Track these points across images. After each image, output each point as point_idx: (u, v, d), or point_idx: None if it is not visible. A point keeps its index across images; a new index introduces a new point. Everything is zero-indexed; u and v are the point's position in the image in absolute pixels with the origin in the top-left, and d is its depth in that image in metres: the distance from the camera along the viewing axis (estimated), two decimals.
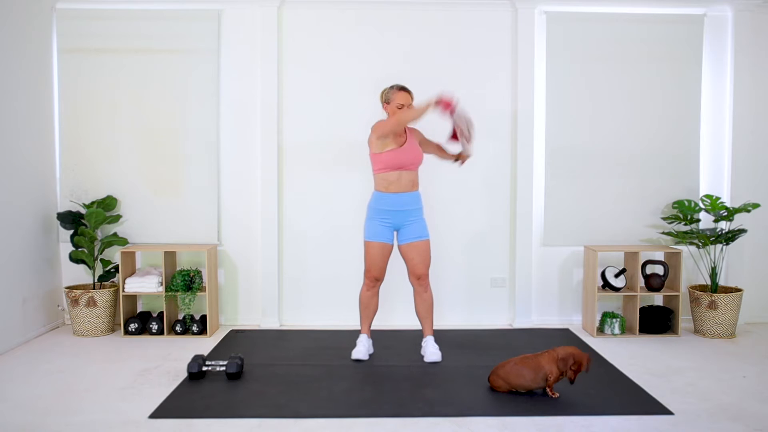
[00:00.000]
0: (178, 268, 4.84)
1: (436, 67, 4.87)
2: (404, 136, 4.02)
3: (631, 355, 4.20)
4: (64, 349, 4.30)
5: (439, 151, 4.25)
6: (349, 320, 4.77)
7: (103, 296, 4.61)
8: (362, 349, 4.07)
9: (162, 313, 4.72)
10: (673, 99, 4.95)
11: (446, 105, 3.76)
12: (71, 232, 4.72)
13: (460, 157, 4.13)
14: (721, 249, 4.77)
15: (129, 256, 4.75)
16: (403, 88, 4.02)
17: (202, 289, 4.73)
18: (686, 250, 4.90)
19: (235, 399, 3.40)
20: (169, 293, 4.63)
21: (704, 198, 4.83)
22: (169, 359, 4.09)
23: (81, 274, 4.94)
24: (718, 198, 4.78)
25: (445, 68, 4.88)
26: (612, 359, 4.10)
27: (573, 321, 5.02)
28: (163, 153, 4.89)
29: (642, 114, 4.95)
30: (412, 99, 4.01)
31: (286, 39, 4.87)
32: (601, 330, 4.74)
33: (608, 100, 4.94)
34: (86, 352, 4.24)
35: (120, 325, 4.69)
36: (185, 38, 4.86)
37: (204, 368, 3.72)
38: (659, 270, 4.86)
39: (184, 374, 3.77)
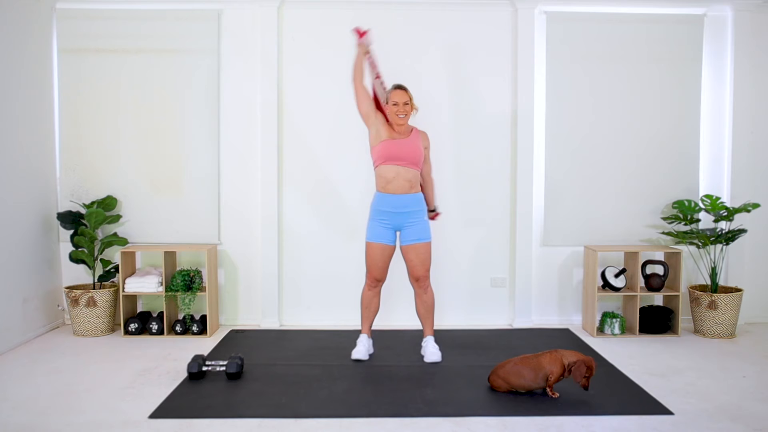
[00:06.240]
0: (178, 268, 4.84)
1: (437, 67, 4.87)
2: (407, 134, 3.99)
3: (631, 355, 4.20)
4: (64, 349, 4.30)
5: (422, 181, 4.12)
6: (349, 320, 4.78)
7: (103, 296, 4.61)
8: (362, 349, 4.07)
9: (162, 313, 4.72)
10: (673, 99, 4.95)
11: (358, 33, 3.97)
12: (71, 232, 4.72)
13: (434, 212, 4.29)
14: (721, 249, 4.77)
15: (129, 256, 4.75)
16: (399, 87, 3.97)
17: (202, 289, 4.72)
18: (686, 250, 4.90)
19: (235, 399, 3.40)
20: (169, 293, 4.63)
21: (704, 198, 4.82)
22: (169, 359, 4.09)
23: (81, 274, 4.94)
24: (718, 198, 4.78)
25: (445, 68, 4.88)
26: (612, 359, 4.10)
27: (573, 321, 5.02)
28: (163, 153, 4.89)
29: (642, 114, 4.95)
30: (410, 97, 3.95)
31: (286, 39, 4.87)
32: (601, 330, 4.74)
33: (608, 100, 4.94)
34: (86, 352, 4.24)
35: (120, 325, 4.69)
36: (185, 38, 4.85)
37: (204, 368, 3.72)
38: (659, 270, 4.86)
39: (184, 374, 3.77)
